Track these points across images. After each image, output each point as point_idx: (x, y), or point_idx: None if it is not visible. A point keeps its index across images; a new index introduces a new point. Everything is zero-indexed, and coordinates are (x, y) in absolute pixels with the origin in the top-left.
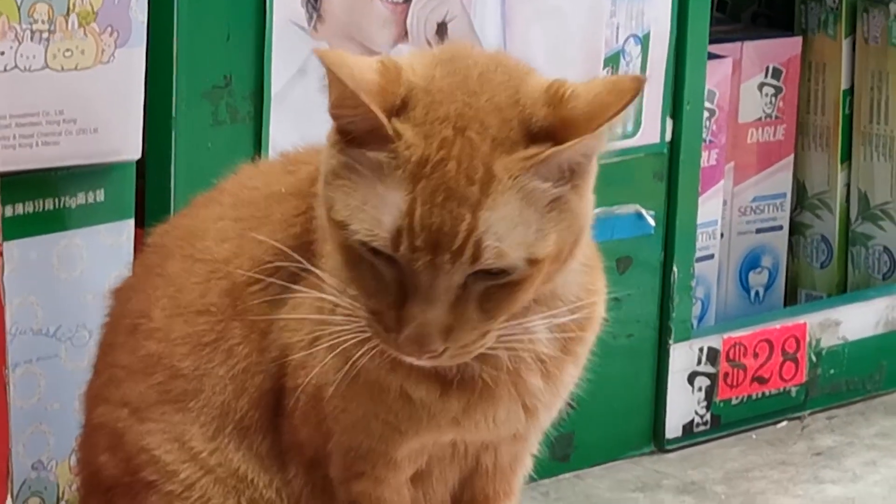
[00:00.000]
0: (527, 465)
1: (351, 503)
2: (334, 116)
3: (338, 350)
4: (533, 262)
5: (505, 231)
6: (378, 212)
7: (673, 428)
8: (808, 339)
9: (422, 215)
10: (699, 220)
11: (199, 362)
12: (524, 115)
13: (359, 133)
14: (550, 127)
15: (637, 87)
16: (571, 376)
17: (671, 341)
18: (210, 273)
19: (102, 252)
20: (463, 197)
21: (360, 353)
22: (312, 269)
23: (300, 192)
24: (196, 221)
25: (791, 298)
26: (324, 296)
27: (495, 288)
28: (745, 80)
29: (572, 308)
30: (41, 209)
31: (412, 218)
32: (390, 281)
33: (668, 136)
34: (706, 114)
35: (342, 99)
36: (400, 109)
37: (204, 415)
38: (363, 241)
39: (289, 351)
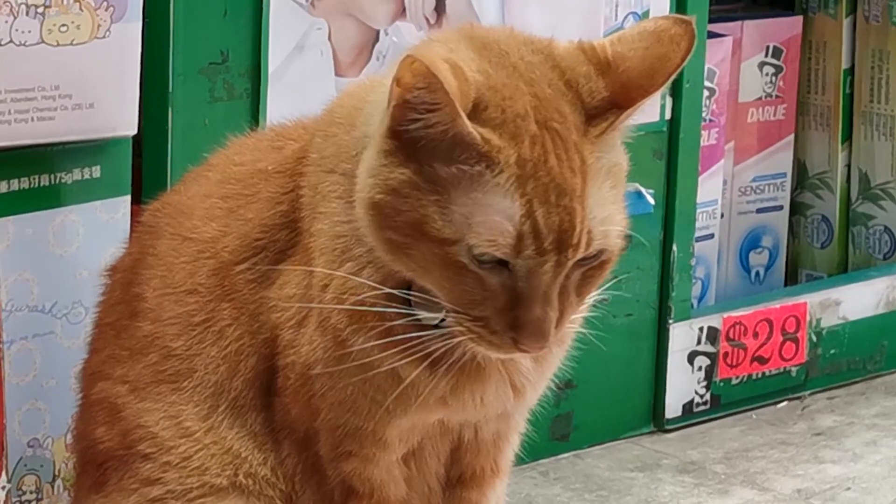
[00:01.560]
0: (514, 443)
1: (341, 482)
2: (405, 124)
3: (327, 325)
4: (622, 236)
5: (604, 213)
6: (493, 221)
7: (673, 408)
8: (808, 318)
9: (544, 217)
10: (699, 200)
11: (191, 342)
12: (582, 91)
13: (430, 142)
14: (611, 96)
15: (689, 32)
16: (557, 357)
17: (671, 321)
18: (198, 252)
19: (98, 228)
20: (572, 190)
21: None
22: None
23: (286, 170)
24: (184, 199)
25: (791, 278)
26: (314, 270)
27: (591, 270)
28: (745, 60)
29: None
30: (37, 185)
31: (534, 221)
32: (497, 286)
33: (667, 115)
34: (706, 93)
35: (422, 106)
36: (473, 112)
37: (197, 394)
38: (482, 253)
39: (278, 330)
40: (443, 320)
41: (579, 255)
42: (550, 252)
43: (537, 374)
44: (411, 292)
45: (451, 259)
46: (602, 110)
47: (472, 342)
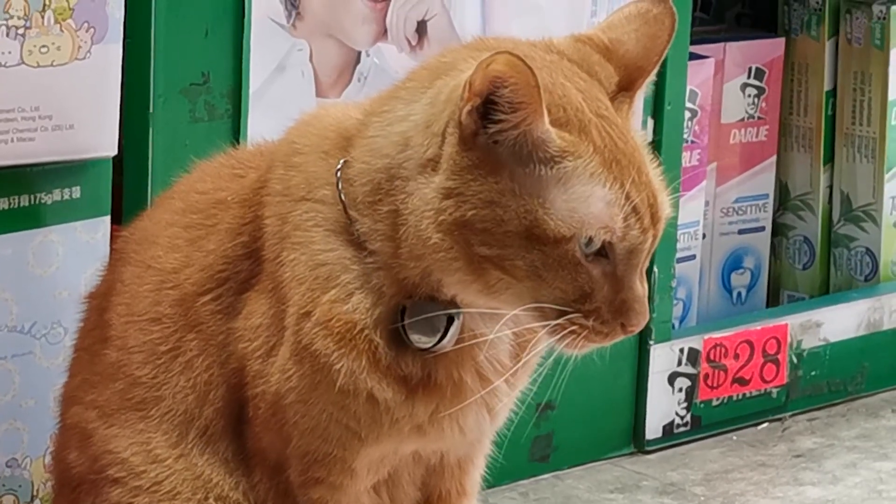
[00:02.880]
0: (479, 465)
1: None
2: (484, 129)
3: (305, 353)
4: None
5: (661, 184)
6: (600, 209)
7: (653, 429)
8: (789, 340)
9: (637, 195)
10: (681, 221)
11: (157, 371)
12: (601, 78)
13: (510, 145)
14: (620, 80)
15: (669, 10)
16: (524, 378)
17: (651, 342)
18: (161, 283)
19: (78, 249)
20: (642, 166)
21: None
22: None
23: (245, 200)
24: (150, 225)
25: (773, 300)
26: (289, 299)
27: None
28: (727, 81)
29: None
30: (16, 205)
31: (632, 201)
32: (600, 275)
33: (649, 137)
34: (689, 114)
35: (508, 104)
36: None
37: (166, 422)
38: (603, 242)
39: (245, 360)
40: (436, 344)
41: (663, 228)
42: (649, 228)
43: (508, 396)
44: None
45: (566, 257)
46: (616, 94)
47: (585, 340)
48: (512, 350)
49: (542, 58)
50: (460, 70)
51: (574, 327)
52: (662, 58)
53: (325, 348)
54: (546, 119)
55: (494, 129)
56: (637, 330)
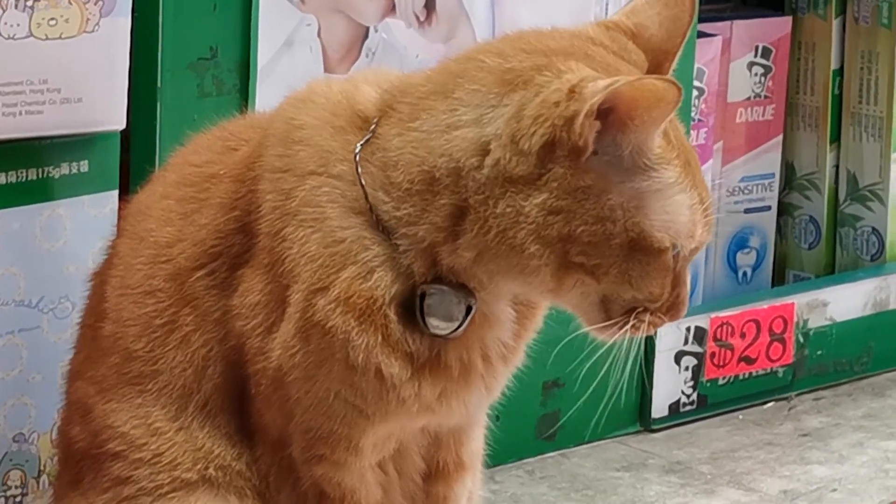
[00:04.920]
0: (476, 438)
1: (314, 485)
2: (601, 148)
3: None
4: None
5: None
6: (687, 217)
7: (659, 407)
8: (795, 319)
9: (706, 197)
10: None
11: (153, 345)
12: (638, 65)
13: (618, 159)
14: (649, 66)
15: None
16: (521, 357)
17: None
18: (154, 256)
19: (86, 223)
20: (698, 162)
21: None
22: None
23: (238, 176)
24: (145, 198)
25: (779, 279)
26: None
27: None
28: (734, 60)
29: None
30: (24, 179)
31: (703, 204)
32: (670, 269)
33: None
34: (695, 93)
35: (638, 128)
36: None
37: (164, 396)
38: (690, 250)
39: (244, 338)
40: (455, 330)
41: None
42: (707, 230)
43: (504, 377)
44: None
45: (664, 265)
46: None
47: (640, 332)
48: (514, 329)
49: (584, 50)
50: (539, 85)
51: (635, 321)
52: (685, 38)
53: (344, 324)
54: (661, 130)
55: (614, 150)
56: (666, 322)
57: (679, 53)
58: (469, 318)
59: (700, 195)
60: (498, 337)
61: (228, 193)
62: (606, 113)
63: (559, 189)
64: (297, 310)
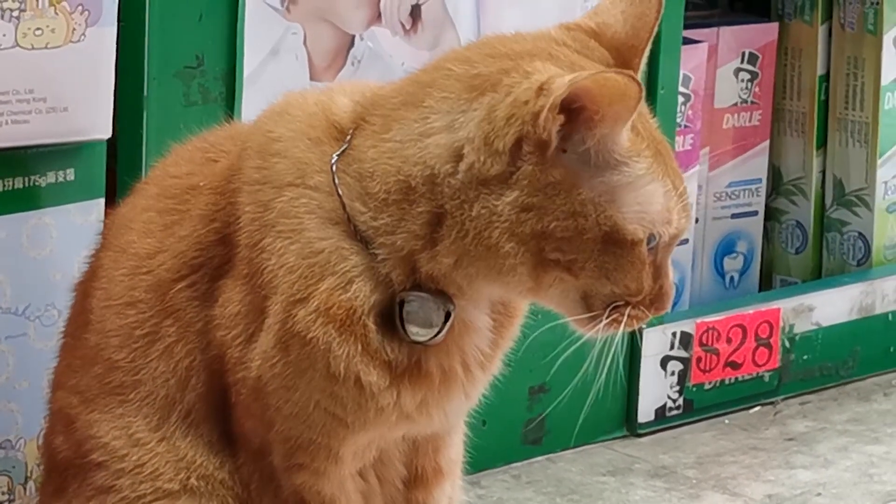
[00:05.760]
0: (454, 444)
1: (294, 493)
2: (571, 145)
3: (294, 340)
4: None
5: None
6: (661, 206)
7: (645, 412)
8: (781, 324)
9: (680, 183)
10: None
11: (134, 355)
12: (603, 63)
13: (587, 154)
14: (615, 63)
15: None
16: (499, 365)
17: (644, 325)
18: (135, 267)
19: (72, 231)
20: (670, 150)
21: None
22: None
23: (217, 188)
24: (126, 210)
25: (766, 284)
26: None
27: None
28: (721, 66)
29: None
30: (11, 188)
31: (678, 190)
32: (646, 262)
33: None
34: (682, 98)
35: (604, 122)
36: None
37: (146, 406)
38: (669, 235)
39: (225, 347)
40: (435, 336)
41: None
42: (685, 216)
43: (483, 385)
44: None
45: (639, 257)
46: None
47: (623, 326)
48: (492, 338)
49: (550, 51)
50: (508, 86)
51: (616, 315)
52: (653, 35)
53: (325, 335)
54: (629, 124)
55: (580, 145)
56: (649, 315)
57: (646, 49)
58: (448, 323)
59: (673, 182)
60: (476, 345)
61: (208, 205)
62: (574, 110)
63: (529, 186)
64: (277, 320)
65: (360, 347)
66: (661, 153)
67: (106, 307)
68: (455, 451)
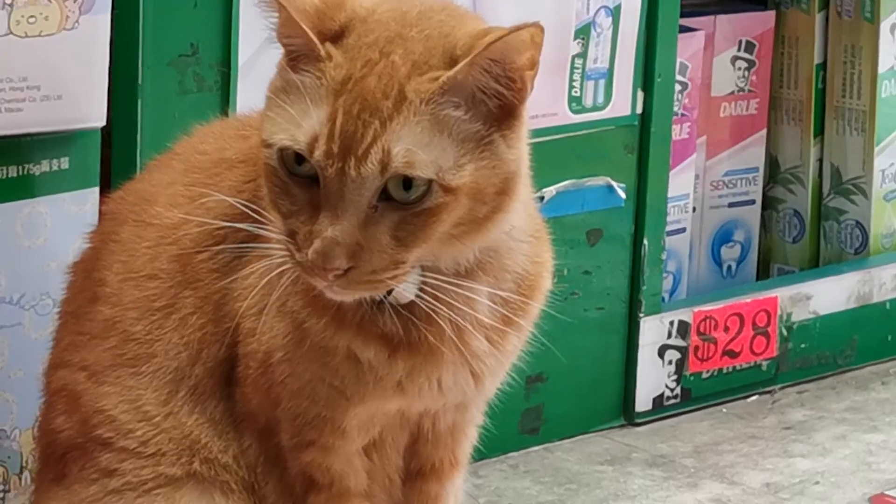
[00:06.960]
0: (471, 436)
1: (302, 472)
2: (278, 39)
3: (285, 310)
4: (446, 189)
5: (415, 146)
6: (302, 122)
7: (643, 401)
8: (779, 313)
9: (341, 123)
10: (671, 194)
11: (151, 327)
12: (448, 46)
13: (301, 55)
14: (461, 58)
15: (527, 27)
16: (515, 346)
17: (641, 314)
18: (160, 238)
19: (67, 220)
20: (375, 109)
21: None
22: (263, 233)
23: (249, 159)
24: (148, 186)
25: (763, 273)
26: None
27: (410, 216)
28: (718, 54)
29: (517, 279)
30: (5, 176)
31: (332, 125)
32: (305, 199)
33: (639, 109)
34: (679, 87)
35: (283, 22)
36: (337, 36)
37: (157, 379)
38: (283, 147)
39: (240, 318)
40: (418, 297)
41: (367, 170)
42: (335, 156)
43: (494, 359)
44: None
45: (269, 164)
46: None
47: (291, 264)
48: (494, 310)
49: (420, 7)
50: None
51: (285, 248)
52: (481, 55)
53: (295, 305)
54: (314, 36)
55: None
56: (322, 278)
57: (468, 62)
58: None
59: (335, 119)
60: (474, 317)
61: (239, 177)
62: None
63: (280, 58)
64: (277, 289)
65: (328, 318)
66: (352, 92)
67: (125, 280)
68: (472, 442)
